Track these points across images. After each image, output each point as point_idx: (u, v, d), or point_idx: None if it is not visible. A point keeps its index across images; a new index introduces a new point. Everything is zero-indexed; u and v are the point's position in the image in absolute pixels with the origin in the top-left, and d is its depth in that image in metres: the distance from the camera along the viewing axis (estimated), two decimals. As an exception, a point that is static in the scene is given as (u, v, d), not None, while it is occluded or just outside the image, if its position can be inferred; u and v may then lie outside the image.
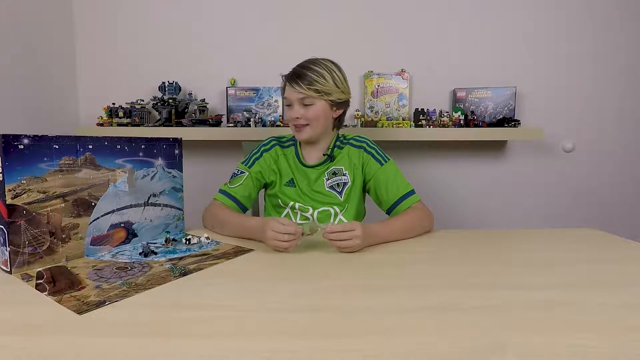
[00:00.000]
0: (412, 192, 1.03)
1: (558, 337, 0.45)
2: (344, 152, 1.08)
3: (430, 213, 1.00)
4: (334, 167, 1.07)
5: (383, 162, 1.06)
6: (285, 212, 1.07)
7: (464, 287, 0.61)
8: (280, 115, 1.73)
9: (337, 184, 1.06)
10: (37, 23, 1.54)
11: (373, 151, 1.07)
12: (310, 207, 1.05)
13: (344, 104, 1.06)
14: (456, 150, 1.81)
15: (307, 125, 1.01)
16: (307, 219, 1.06)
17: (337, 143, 1.10)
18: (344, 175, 1.06)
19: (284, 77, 1.04)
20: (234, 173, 1.07)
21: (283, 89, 1.05)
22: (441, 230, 1.00)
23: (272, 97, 1.73)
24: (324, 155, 1.08)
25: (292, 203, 1.06)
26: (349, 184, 1.06)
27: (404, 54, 1.76)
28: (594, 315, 0.51)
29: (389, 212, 1.04)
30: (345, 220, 1.06)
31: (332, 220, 1.06)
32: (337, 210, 1.06)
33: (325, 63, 1.01)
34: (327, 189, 1.06)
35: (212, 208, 1.00)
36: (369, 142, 1.09)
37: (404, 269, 0.71)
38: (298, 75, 0.99)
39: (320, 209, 1.05)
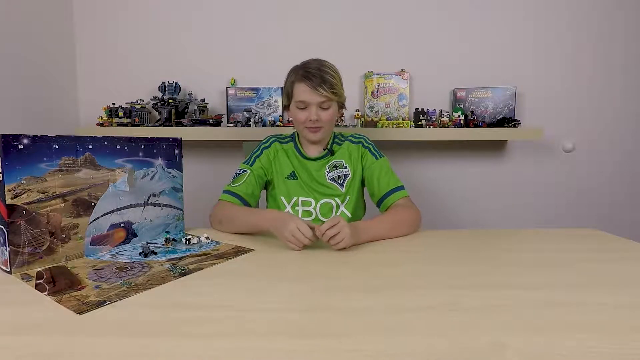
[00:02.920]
0: (402, 187, 1.05)
1: (558, 337, 0.45)
2: (344, 147, 1.12)
3: (417, 211, 1.01)
4: (334, 160, 1.10)
5: (378, 157, 1.10)
6: (286, 211, 1.08)
7: (463, 287, 0.61)
8: (280, 115, 1.73)
9: (338, 176, 1.09)
10: (37, 23, 1.54)
11: (370, 146, 1.12)
12: (312, 200, 1.07)
13: (344, 105, 1.11)
14: (456, 150, 1.82)
15: (321, 127, 1.04)
16: (310, 213, 1.07)
17: (336, 140, 1.14)
18: (344, 167, 1.10)
19: (297, 77, 1.01)
20: (236, 173, 1.08)
21: (291, 88, 1.03)
22: (441, 230, 1.00)
23: (272, 97, 1.73)
24: (324, 149, 1.10)
25: (295, 199, 1.08)
26: (350, 176, 1.09)
27: (404, 54, 1.76)
28: (594, 315, 0.51)
29: (379, 203, 1.07)
30: (348, 212, 1.08)
31: (333, 213, 1.08)
32: (339, 202, 1.08)
33: (331, 65, 1.04)
34: (329, 180, 1.09)
35: (219, 207, 1.01)
36: (366, 138, 1.15)
37: (404, 269, 0.71)
38: (319, 78, 0.98)
39: (322, 202, 1.07)
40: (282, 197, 1.09)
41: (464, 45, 1.76)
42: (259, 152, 1.11)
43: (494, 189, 1.84)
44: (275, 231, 0.84)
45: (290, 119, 1.68)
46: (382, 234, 0.90)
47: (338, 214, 1.07)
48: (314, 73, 0.99)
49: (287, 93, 1.06)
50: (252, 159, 1.09)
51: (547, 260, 0.76)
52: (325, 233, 0.78)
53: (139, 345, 0.43)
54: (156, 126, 1.63)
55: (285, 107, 1.10)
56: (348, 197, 1.08)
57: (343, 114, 1.65)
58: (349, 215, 1.08)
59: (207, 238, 0.88)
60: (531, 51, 1.76)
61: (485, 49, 1.76)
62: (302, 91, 1.00)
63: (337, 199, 1.08)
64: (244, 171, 1.07)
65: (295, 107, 1.03)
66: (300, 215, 1.07)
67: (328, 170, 1.09)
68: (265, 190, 1.15)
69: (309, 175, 1.09)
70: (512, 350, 0.42)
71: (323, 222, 1.04)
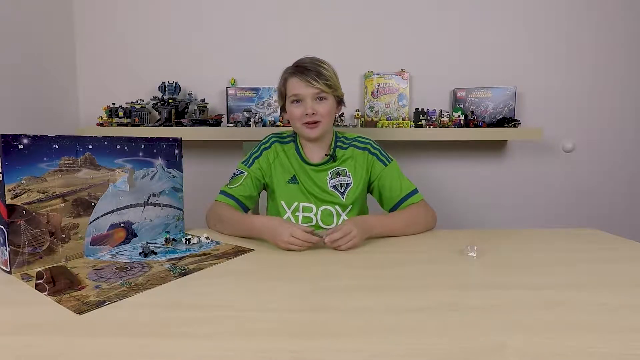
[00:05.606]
0: (415, 192, 1.04)
1: (558, 337, 0.45)
2: (348, 153, 1.08)
3: (432, 211, 1.02)
4: (338, 167, 1.07)
5: (387, 162, 1.07)
6: (286, 216, 1.06)
7: (464, 287, 0.61)
8: (280, 115, 1.73)
9: (340, 184, 1.05)
10: (37, 23, 1.54)
11: (377, 152, 1.08)
12: (313, 205, 1.05)
13: (342, 101, 1.08)
14: (456, 150, 1.81)
15: (319, 122, 1.00)
16: (310, 219, 1.05)
17: (339, 143, 1.09)
18: (347, 176, 1.06)
19: (289, 73, 1.00)
20: (234, 173, 1.07)
21: (284, 86, 1.02)
22: (441, 230, 1.00)
23: (272, 97, 1.73)
24: (326, 155, 1.06)
25: (295, 204, 1.05)
26: (352, 185, 1.06)
27: (404, 54, 1.76)
28: (594, 315, 0.51)
29: (391, 211, 1.05)
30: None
31: (334, 220, 1.05)
32: (339, 210, 1.05)
33: (325, 61, 1.02)
34: (330, 187, 1.05)
35: (214, 208, 1.00)
36: (372, 142, 1.09)
37: (404, 269, 0.71)
38: (312, 70, 0.97)
39: (322, 208, 1.05)
40: (283, 202, 1.06)
41: (464, 45, 1.76)
42: (258, 153, 1.08)
43: (493, 189, 1.84)
44: (269, 239, 0.84)
45: (288, 120, 1.69)
46: (396, 230, 0.91)
47: (340, 221, 1.04)
48: (308, 67, 0.97)
49: (281, 92, 1.04)
50: (251, 160, 1.07)
51: (547, 260, 0.76)
52: (331, 237, 0.80)
53: (139, 345, 0.43)
54: (156, 126, 1.63)
55: (282, 109, 1.07)
56: (350, 206, 1.06)
57: (343, 113, 1.65)
58: None
59: (207, 238, 0.88)
60: (531, 51, 1.76)
61: (485, 49, 1.76)
62: (295, 85, 0.98)
63: (337, 207, 1.05)
64: (241, 172, 1.05)
65: (290, 104, 1.01)
66: (300, 221, 1.05)
67: (330, 176, 1.06)
68: (265, 191, 1.14)
69: (310, 181, 1.06)
70: (512, 350, 0.42)
71: (323, 228, 1.03)
